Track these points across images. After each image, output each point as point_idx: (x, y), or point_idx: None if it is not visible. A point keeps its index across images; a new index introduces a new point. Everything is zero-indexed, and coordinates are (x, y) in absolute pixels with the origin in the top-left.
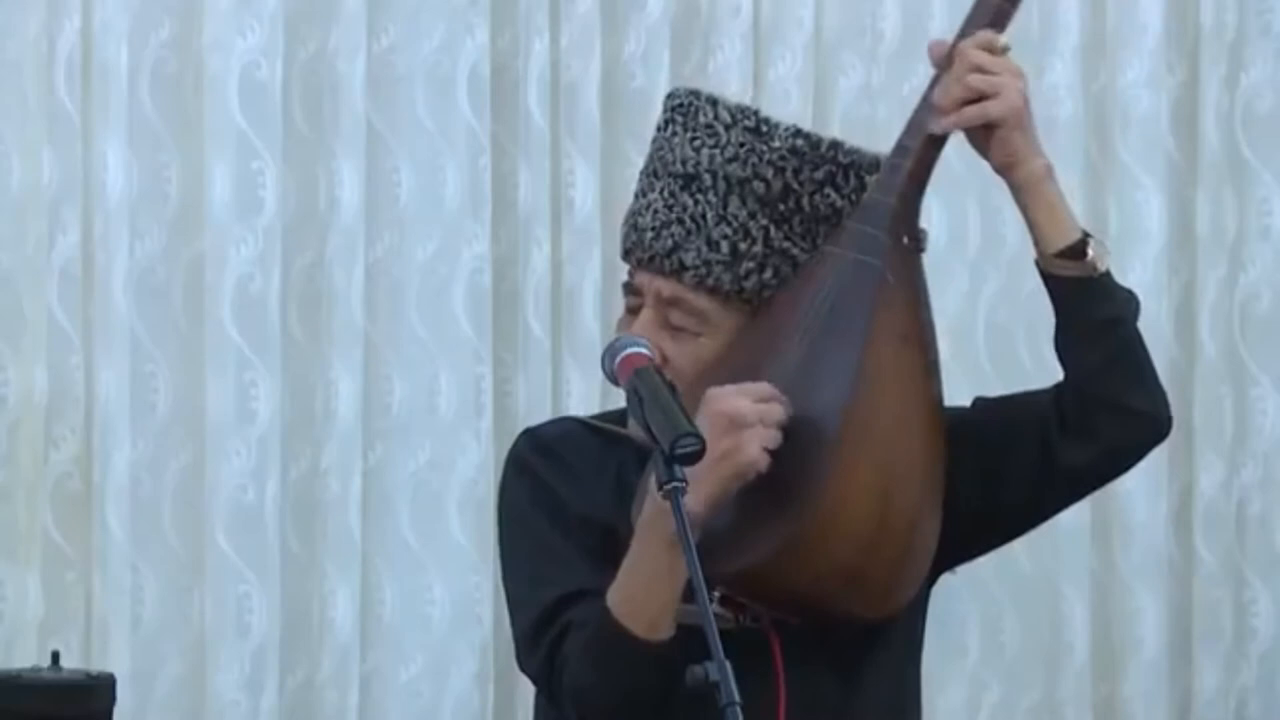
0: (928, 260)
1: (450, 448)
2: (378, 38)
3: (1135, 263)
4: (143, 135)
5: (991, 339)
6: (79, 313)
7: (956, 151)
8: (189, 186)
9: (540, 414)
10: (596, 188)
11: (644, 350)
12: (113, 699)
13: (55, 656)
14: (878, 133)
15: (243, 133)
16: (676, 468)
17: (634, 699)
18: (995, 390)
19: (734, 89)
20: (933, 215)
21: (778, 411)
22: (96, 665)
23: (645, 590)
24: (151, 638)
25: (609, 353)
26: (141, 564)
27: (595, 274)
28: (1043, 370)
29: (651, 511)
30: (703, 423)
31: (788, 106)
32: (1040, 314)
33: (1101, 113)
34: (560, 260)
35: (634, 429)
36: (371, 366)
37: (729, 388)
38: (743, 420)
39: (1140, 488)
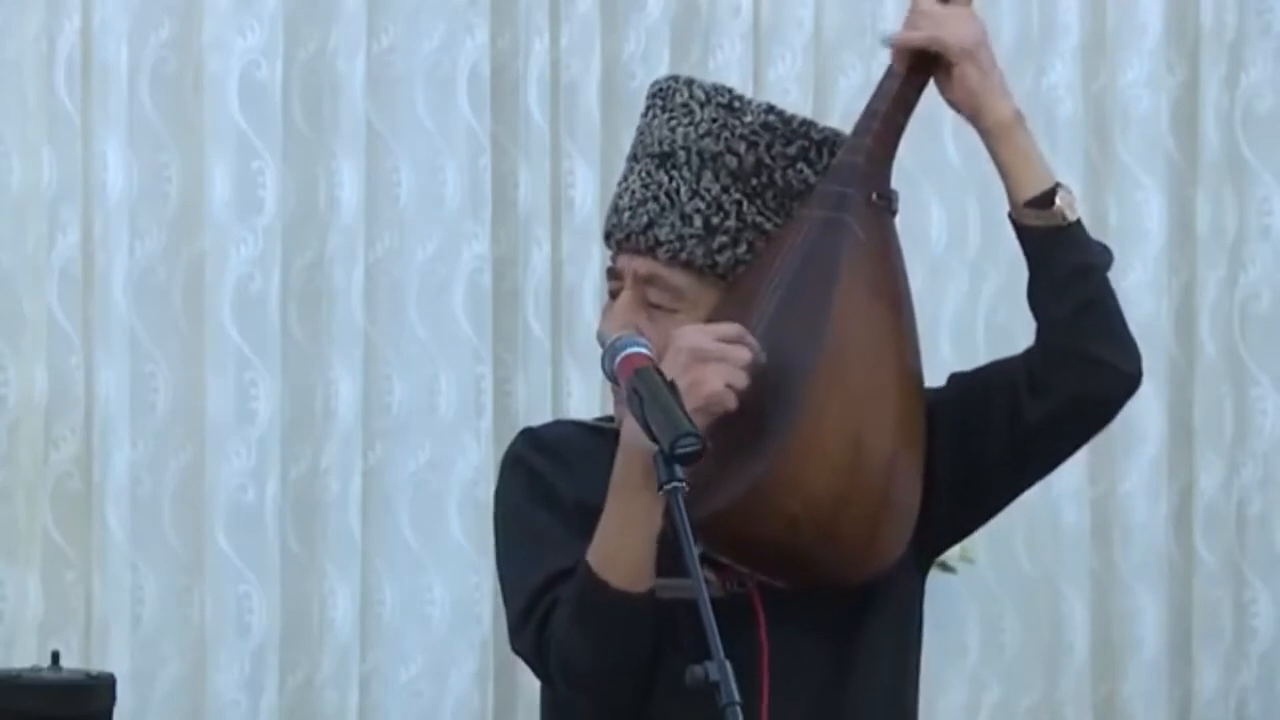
0: (928, 260)
1: (450, 448)
2: (378, 38)
3: (1135, 263)
4: (143, 135)
5: (991, 339)
6: (79, 313)
7: (956, 151)
8: (189, 186)
9: (540, 414)
10: (596, 188)
11: (644, 350)
12: (113, 699)
13: (55, 656)
14: None
15: (243, 133)
16: (676, 468)
17: (620, 661)
18: None
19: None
20: (933, 215)
21: (743, 352)
22: (96, 665)
23: (620, 539)
24: (151, 638)
25: (609, 353)
26: (141, 564)
27: (595, 274)
28: None
29: (621, 463)
30: (667, 359)
31: (787, 106)
32: None
33: (1101, 113)
34: (560, 260)
35: (621, 416)
36: (371, 366)
37: (694, 326)
38: (704, 354)
39: (1140, 488)
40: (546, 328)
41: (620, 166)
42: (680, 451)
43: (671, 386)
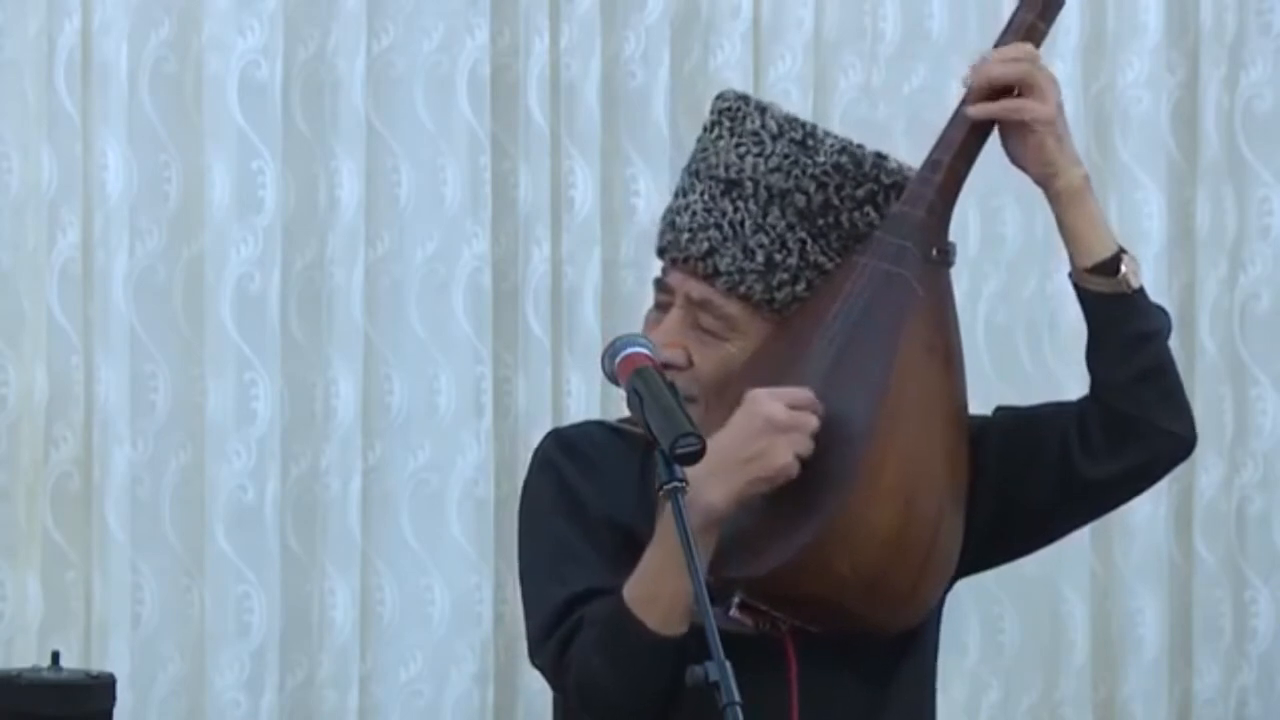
0: None
1: (450, 448)
2: (377, 37)
3: None
4: (143, 135)
5: (991, 339)
6: (79, 313)
7: None
8: (189, 186)
9: (540, 414)
10: (596, 187)
11: (644, 350)
12: (113, 699)
13: (55, 656)
14: (877, 133)
15: (243, 133)
16: (676, 468)
17: (641, 695)
18: (995, 390)
19: (734, 89)
20: None
21: (813, 421)
22: (96, 665)
23: (659, 582)
24: (151, 638)
25: (609, 352)
26: (141, 564)
27: (595, 274)
28: (1043, 370)
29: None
30: (739, 421)
31: (787, 106)
32: (1040, 314)
33: (1101, 113)
34: (560, 260)
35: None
36: (371, 366)
37: (768, 390)
38: (779, 425)
39: None
40: (546, 328)
41: (620, 167)
42: (680, 451)
43: (672, 387)
